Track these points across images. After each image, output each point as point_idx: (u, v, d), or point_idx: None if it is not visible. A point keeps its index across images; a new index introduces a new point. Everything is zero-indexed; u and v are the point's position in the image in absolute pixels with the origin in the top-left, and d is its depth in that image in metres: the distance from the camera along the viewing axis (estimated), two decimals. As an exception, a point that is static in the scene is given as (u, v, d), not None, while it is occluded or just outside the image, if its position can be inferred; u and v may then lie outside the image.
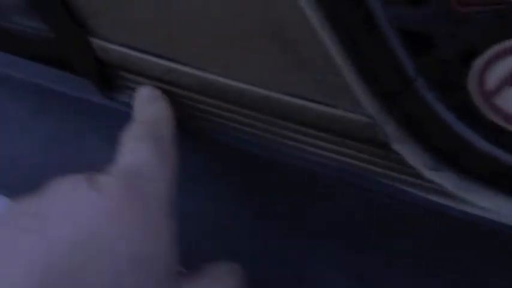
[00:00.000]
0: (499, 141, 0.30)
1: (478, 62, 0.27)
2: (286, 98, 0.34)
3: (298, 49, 0.31)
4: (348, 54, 0.31)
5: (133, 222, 0.23)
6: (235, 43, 0.33)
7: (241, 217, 0.42)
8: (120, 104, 0.42)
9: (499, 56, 0.27)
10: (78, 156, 0.48)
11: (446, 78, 0.29)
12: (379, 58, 0.30)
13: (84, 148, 0.48)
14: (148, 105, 0.32)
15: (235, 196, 0.41)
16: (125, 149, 0.28)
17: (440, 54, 0.28)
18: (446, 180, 0.32)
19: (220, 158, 0.40)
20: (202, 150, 0.40)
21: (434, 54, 0.28)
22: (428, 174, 0.32)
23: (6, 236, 0.24)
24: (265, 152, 0.35)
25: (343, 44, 0.30)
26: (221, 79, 0.35)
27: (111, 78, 0.43)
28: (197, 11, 0.32)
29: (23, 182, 0.50)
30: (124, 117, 0.41)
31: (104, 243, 0.23)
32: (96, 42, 0.40)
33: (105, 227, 0.23)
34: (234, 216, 0.42)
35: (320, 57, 0.31)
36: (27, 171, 0.52)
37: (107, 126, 0.44)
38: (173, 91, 0.39)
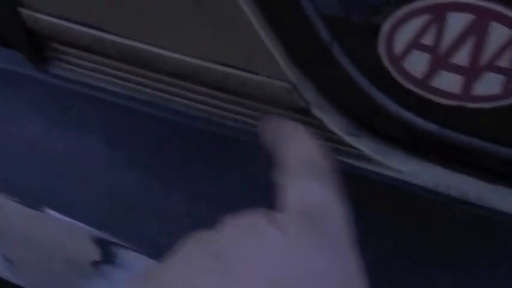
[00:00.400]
0: (409, 104, 0.31)
1: (385, 26, 0.28)
2: (210, 65, 0.34)
3: (218, 13, 0.32)
4: (267, 21, 0.31)
5: (327, 260, 0.23)
6: (157, 9, 0.33)
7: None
8: (53, 77, 0.43)
9: (403, 20, 0.28)
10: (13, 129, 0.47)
11: (358, 42, 0.30)
12: (296, 25, 0.31)
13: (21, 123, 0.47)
14: (298, 141, 0.29)
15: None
16: (293, 186, 0.26)
17: (352, 18, 0.29)
18: (363, 144, 0.33)
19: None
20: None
21: (346, 18, 0.29)
22: (347, 139, 0.34)
23: (187, 278, 0.23)
24: (190, 121, 0.36)
25: (262, 11, 0.31)
26: (145, 47, 0.35)
27: (42, 50, 0.43)
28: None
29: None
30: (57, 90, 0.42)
31: (303, 283, 0.22)
32: (25, 12, 0.40)
33: (296, 265, 0.22)
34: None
35: (240, 24, 0.31)
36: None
37: (40, 99, 0.44)
38: (106, 63, 0.40)
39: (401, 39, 0.29)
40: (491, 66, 0.28)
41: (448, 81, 0.29)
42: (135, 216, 0.40)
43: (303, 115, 0.34)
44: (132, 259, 0.41)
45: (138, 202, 0.40)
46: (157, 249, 0.40)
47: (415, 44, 0.29)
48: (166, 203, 0.39)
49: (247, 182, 0.37)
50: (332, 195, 0.25)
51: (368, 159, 0.34)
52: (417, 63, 0.29)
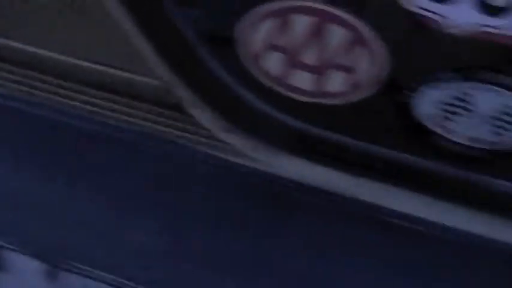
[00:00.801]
0: (270, 100, 0.34)
1: (240, 29, 0.30)
2: (86, 63, 0.35)
3: (90, 14, 0.32)
4: (136, 22, 0.32)
5: None
6: (33, 10, 0.34)
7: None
8: None
9: (255, 23, 0.30)
10: None
11: (222, 44, 0.32)
12: (164, 27, 0.32)
13: None
14: None
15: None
16: None
17: (211, 23, 0.31)
18: (236, 140, 0.35)
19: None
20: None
21: (207, 23, 0.31)
22: (220, 135, 0.35)
23: None
24: (64, 117, 0.37)
25: (131, 13, 0.32)
26: (22, 46, 0.36)
27: None
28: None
29: None
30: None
31: None
32: None
33: None
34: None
35: (111, 25, 0.32)
36: None
37: None
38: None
39: (257, 41, 0.31)
40: (334, 65, 0.31)
41: (302, 79, 0.32)
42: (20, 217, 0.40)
43: (177, 112, 0.35)
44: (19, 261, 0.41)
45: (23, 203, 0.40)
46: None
47: (269, 45, 0.31)
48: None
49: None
50: None
51: (239, 154, 0.36)
52: (274, 63, 0.32)
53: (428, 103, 0.31)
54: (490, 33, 0.27)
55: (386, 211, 0.33)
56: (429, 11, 0.27)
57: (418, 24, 0.28)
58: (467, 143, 0.32)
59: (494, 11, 0.26)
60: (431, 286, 0.36)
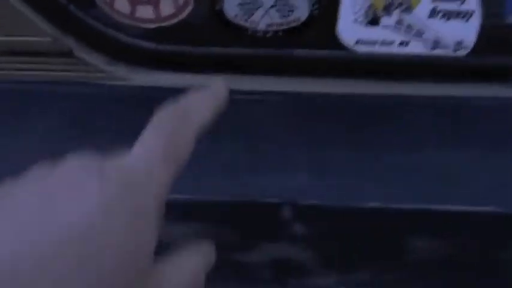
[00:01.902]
0: (114, 25, 0.45)
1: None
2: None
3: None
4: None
5: (125, 231, 0.24)
6: None
7: None
8: None
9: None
10: None
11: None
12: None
13: None
14: (197, 93, 0.30)
15: None
16: (144, 134, 0.28)
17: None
18: (116, 68, 0.47)
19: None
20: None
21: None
22: (105, 67, 0.48)
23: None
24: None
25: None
26: None
27: None
28: None
29: None
30: None
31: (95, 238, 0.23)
32: None
33: (97, 220, 0.23)
34: None
35: None
36: None
37: None
38: None
39: (105, -9, 0.43)
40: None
41: (144, 12, 0.44)
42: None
43: (70, 58, 0.47)
44: None
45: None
46: None
47: (114, -8, 0.43)
48: None
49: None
50: (166, 163, 0.27)
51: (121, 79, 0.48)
52: (122, 4, 0.44)
53: (233, 6, 0.44)
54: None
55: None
56: None
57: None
58: (267, 28, 0.45)
59: None
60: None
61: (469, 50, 0.47)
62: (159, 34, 0.47)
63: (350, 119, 0.49)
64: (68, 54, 0.48)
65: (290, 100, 0.48)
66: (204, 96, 0.31)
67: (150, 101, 0.46)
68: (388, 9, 0.45)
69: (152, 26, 0.46)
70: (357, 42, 0.47)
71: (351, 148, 0.48)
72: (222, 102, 0.32)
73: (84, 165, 0.25)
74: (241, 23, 0.46)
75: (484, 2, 0.43)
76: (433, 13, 0.45)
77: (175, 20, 0.46)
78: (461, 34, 0.46)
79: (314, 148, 0.49)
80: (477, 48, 0.46)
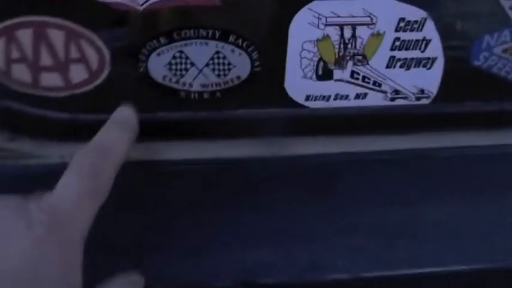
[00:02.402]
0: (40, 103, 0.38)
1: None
2: None
3: None
4: None
5: (55, 257, 0.25)
6: None
7: None
8: None
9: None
10: None
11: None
12: None
13: None
14: (109, 128, 0.32)
15: None
16: (65, 176, 0.28)
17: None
18: (19, 145, 0.40)
19: None
20: None
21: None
22: (14, 145, 0.40)
23: None
24: None
25: None
26: None
27: None
28: None
29: None
30: None
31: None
32: None
33: (30, 259, 0.24)
34: None
35: None
36: None
37: None
38: None
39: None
40: (69, 60, 0.36)
41: (51, 79, 0.37)
42: None
43: None
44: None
45: None
46: None
47: (10, 60, 0.36)
48: None
49: None
50: (89, 198, 0.28)
51: (29, 156, 0.40)
52: (22, 73, 0.36)
53: (159, 67, 0.38)
54: (162, 1, 0.34)
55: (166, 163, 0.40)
56: (114, -1, 0.33)
57: (114, 11, 0.34)
58: (202, 89, 0.39)
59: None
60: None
61: (432, 98, 0.43)
62: (72, 103, 0.40)
63: (308, 182, 0.44)
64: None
65: (236, 166, 0.43)
66: (118, 131, 0.32)
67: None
68: (340, 63, 0.39)
69: (62, 94, 0.39)
70: (308, 98, 0.41)
71: (313, 213, 0.43)
72: (135, 133, 0.32)
73: (9, 208, 0.26)
74: (172, 85, 0.40)
75: (447, 47, 0.39)
76: (392, 62, 0.40)
77: (90, 87, 0.39)
78: (423, 82, 0.42)
79: (270, 217, 0.43)
80: (441, 95, 0.43)
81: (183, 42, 0.37)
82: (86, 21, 0.34)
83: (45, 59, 0.36)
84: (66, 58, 0.36)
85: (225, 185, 0.41)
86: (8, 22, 0.34)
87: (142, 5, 0.34)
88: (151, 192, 0.42)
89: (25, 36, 0.35)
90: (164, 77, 0.38)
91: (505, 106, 0.42)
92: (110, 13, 0.34)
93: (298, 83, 0.39)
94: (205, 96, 0.39)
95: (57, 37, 0.35)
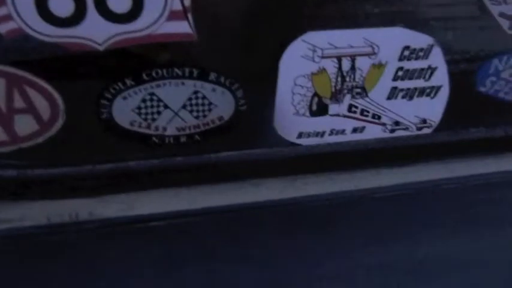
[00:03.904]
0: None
1: None
2: None
3: None
4: None
5: None
6: None
7: None
8: None
9: None
10: None
11: None
12: None
13: None
14: None
15: None
16: None
17: None
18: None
19: None
20: None
21: None
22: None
23: None
24: None
25: None
26: None
27: None
28: None
29: None
30: None
31: None
32: None
33: None
34: None
35: None
36: None
37: None
38: None
39: None
40: (15, 110, 0.30)
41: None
42: None
43: None
44: None
45: None
46: None
47: None
48: None
49: None
50: None
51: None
52: (-47, 127, 0.30)
53: (126, 112, 0.32)
54: (130, 38, 0.28)
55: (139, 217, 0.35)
56: (64, 36, 0.27)
57: (66, 52, 0.28)
58: (178, 133, 0.34)
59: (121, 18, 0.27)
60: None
61: (434, 128, 0.39)
62: (20, 158, 0.33)
63: (301, 227, 0.40)
64: None
65: (218, 216, 0.38)
66: None
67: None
68: (336, 97, 0.35)
69: (8, 150, 0.33)
70: (300, 135, 0.37)
71: (304, 261, 0.39)
72: None
73: None
74: (142, 130, 0.34)
75: (453, 74, 0.36)
76: (393, 93, 0.36)
77: (40, 139, 0.33)
78: (426, 111, 0.38)
79: (258, 268, 0.39)
80: (443, 124, 0.39)
81: (154, 83, 0.31)
82: (33, 66, 0.29)
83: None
84: (9, 109, 0.30)
85: (209, 238, 0.37)
86: None
87: (102, 44, 0.29)
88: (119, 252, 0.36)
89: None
90: (132, 123, 0.33)
91: (509, 131, 0.40)
92: (64, 55, 0.28)
93: (290, 121, 0.35)
94: (182, 140, 0.34)
95: (-3, 85, 0.29)
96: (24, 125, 0.30)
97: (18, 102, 0.29)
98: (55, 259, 0.34)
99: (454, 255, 0.38)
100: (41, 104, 0.29)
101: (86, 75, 0.29)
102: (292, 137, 0.36)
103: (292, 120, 0.34)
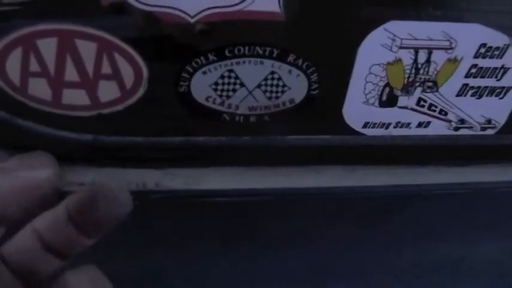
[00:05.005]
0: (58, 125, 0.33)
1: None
2: None
3: None
4: None
5: None
6: None
7: None
8: None
9: (4, 55, 0.29)
10: None
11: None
12: None
13: None
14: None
15: None
16: None
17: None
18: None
19: None
20: None
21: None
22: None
23: None
24: None
25: None
26: None
27: None
28: None
29: None
30: None
31: None
32: None
33: None
34: None
35: None
36: None
37: None
38: None
39: (14, 72, 0.30)
40: (98, 76, 0.31)
41: (75, 96, 0.32)
42: None
43: None
44: None
45: None
46: None
47: (27, 73, 0.30)
48: None
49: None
50: None
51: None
52: (40, 88, 0.31)
53: (203, 87, 0.33)
54: (221, 13, 0.29)
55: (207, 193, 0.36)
56: (161, 6, 0.28)
57: (157, 21, 0.29)
58: (249, 112, 0.34)
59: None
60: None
61: (498, 129, 0.39)
62: (98, 124, 0.35)
63: (355, 216, 0.40)
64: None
65: (283, 199, 0.38)
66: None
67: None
68: (408, 89, 0.35)
69: (87, 114, 0.34)
70: (366, 125, 0.37)
71: (364, 249, 0.40)
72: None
73: None
74: (215, 107, 0.35)
75: None
76: (463, 90, 0.36)
77: (120, 107, 0.34)
78: (492, 112, 0.38)
79: (317, 256, 0.39)
80: (507, 126, 0.39)
81: (234, 60, 0.32)
82: (125, 33, 0.30)
83: (70, 73, 0.31)
84: (96, 73, 0.31)
85: (266, 219, 0.37)
86: (27, 30, 0.29)
87: (194, 16, 0.29)
88: (182, 224, 0.37)
89: (49, 46, 0.29)
90: (207, 98, 0.34)
91: None
92: (152, 24, 0.30)
93: (358, 109, 0.35)
94: (252, 119, 0.35)
95: (87, 48, 0.30)
96: (108, 91, 0.32)
97: (106, 68, 0.30)
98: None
99: (507, 259, 0.38)
100: (126, 71, 0.31)
101: (172, 47, 0.30)
102: (358, 126, 0.36)
103: (360, 109, 0.35)
